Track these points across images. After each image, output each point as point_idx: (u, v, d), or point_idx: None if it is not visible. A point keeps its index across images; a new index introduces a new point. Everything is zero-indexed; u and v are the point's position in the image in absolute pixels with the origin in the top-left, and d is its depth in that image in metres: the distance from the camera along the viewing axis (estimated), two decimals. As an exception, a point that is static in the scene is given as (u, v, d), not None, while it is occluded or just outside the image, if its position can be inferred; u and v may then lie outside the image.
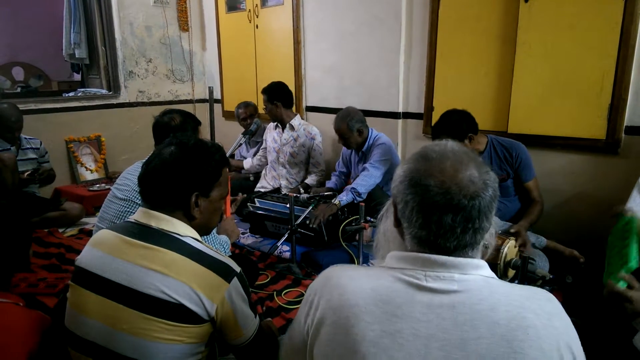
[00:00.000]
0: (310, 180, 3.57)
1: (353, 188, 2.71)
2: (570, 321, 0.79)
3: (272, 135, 3.72)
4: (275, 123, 3.62)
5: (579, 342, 0.78)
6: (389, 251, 0.90)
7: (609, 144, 2.49)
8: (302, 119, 3.99)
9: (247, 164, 3.91)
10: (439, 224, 0.79)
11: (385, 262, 0.89)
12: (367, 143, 3.02)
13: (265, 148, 3.81)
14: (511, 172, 2.47)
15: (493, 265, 1.95)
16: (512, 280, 2.03)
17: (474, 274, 0.80)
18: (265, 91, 3.50)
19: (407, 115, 3.35)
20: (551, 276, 1.93)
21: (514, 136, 2.69)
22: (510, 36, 2.71)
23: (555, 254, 2.36)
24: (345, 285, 0.83)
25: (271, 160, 3.73)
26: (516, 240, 2.14)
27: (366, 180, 2.78)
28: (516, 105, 2.75)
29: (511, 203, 2.54)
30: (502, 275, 1.98)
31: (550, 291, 2.03)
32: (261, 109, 3.73)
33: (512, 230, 2.21)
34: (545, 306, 0.78)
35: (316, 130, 3.59)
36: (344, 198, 2.71)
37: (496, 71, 2.83)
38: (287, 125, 3.56)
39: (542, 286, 1.96)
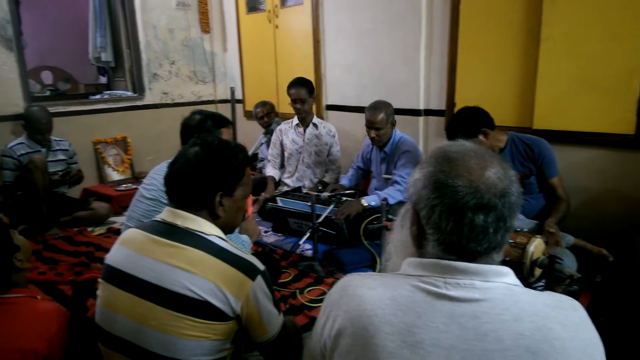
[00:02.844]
0: (328, 178, 3.57)
1: (385, 198, 2.66)
2: (596, 331, 0.77)
3: (289, 136, 3.61)
4: (296, 122, 3.56)
5: (604, 352, 0.76)
6: (403, 259, 0.86)
7: (638, 139, 2.42)
8: (322, 117, 4.00)
9: (275, 174, 3.73)
10: (471, 226, 0.76)
11: (401, 269, 0.86)
12: (390, 142, 2.96)
13: (280, 153, 3.71)
14: (534, 169, 2.43)
15: (519, 264, 1.93)
16: (539, 280, 2.00)
17: (496, 282, 0.77)
18: (303, 83, 3.41)
19: (428, 112, 3.33)
20: (579, 275, 1.89)
21: (539, 132, 2.64)
22: (533, 31, 2.66)
23: (583, 252, 2.31)
24: (363, 295, 0.81)
25: (292, 163, 3.65)
26: (549, 238, 2.10)
27: (397, 194, 2.75)
28: (541, 101, 2.70)
29: (535, 200, 2.50)
30: (528, 274, 1.95)
31: (579, 291, 2.00)
32: (285, 108, 3.64)
33: (547, 229, 2.17)
34: (572, 316, 0.76)
35: (334, 127, 3.60)
36: (372, 203, 2.69)
37: (520, 66, 2.78)
38: (310, 123, 3.55)
39: (570, 285, 1.93)
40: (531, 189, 2.48)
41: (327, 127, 3.58)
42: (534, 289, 1.87)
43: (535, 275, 1.96)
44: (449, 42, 3.06)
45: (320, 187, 3.21)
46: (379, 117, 2.83)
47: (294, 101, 3.44)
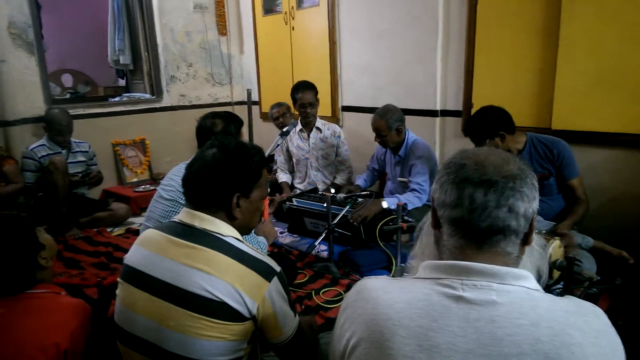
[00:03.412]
0: (340, 179, 3.56)
1: (405, 204, 2.65)
2: (619, 339, 0.75)
3: (294, 142, 3.63)
4: (300, 128, 3.53)
5: None
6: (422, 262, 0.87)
7: (659, 140, 2.37)
8: (338, 118, 4.00)
9: (287, 178, 3.77)
10: (471, 198, 0.78)
11: (418, 272, 0.86)
12: (404, 145, 2.94)
13: (288, 159, 3.73)
14: (553, 170, 2.40)
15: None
16: (557, 282, 1.97)
17: (514, 285, 0.76)
18: (311, 86, 3.43)
19: (445, 113, 3.31)
20: (598, 278, 1.86)
21: (557, 133, 2.60)
22: (551, 30, 2.63)
23: (602, 254, 2.27)
24: (378, 298, 0.81)
25: (301, 168, 3.65)
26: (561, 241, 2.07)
27: (416, 201, 2.75)
28: (560, 101, 2.66)
29: (554, 202, 2.46)
30: (546, 276, 1.92)
31: (598, 293, 1.97)
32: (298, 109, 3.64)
33: (559, 231, 2.14)
34: (593, 323, 0.74)
35: (339, 128, 3.59)
36: (392, 207, 2.69)
37: (537, 66, 2.75)
38: (314, 127, 3.54)
39: (588, 288, 1.90)
40: (550, 190, 2.44)
41: (332, 128, 3.57)
42: (552, 291, 1.85)
43: (554, 277, 1.93)
44: (466, 42, 3.04)
45: (332, 190, 3.21)
46: (379, 124, 2.85)
47: (302, 106, 3.42)
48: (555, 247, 1.94)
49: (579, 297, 0.80)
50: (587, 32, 2.49)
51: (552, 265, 1.90)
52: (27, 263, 1.37)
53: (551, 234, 2.11)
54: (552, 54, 2.65)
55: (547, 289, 1.84)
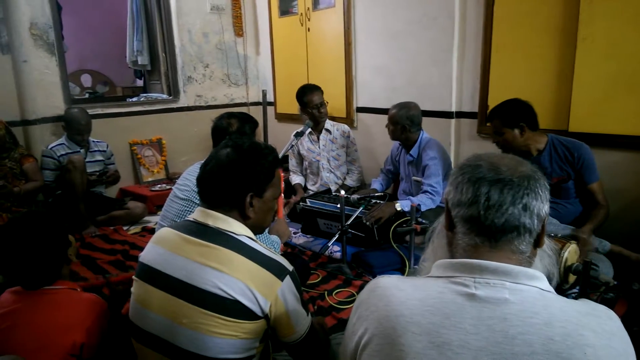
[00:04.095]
0: (350, 181, 3.56)
1: (418, 205, 2.65)
2: (630, 343, 0.75)
3: (304, 145, 3.64)
4: (309, 130, 3.52)
5: None
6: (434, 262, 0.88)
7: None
8: (352, 119, 4.00)
9: (301, 180, 3.77)
10: (487, 196, 0.80)
11: (431, 271, 0.87)
12: (417, 145, 2.95)
13: (299, 162, 3.75)
14: (572, 173, 2.36)
15: (552, 270, 1.88)
16: (573, 286, 1.94)
17: (527, 285, 0.77)
18: (317, 87, 3.47)
19: (460, 114, 3.28)
20: (615, 282, 1.83)
21: (575, 135, 2.56)
22: (570, 30, 2.59)
23: (620, 259, 2.23)
24: (391, 295, 0.82)
25: (314, 170, 3.66)
26: (580, 244, 2.04)
27: (429, 202, 2.75)
28: (578, 103, 2.62)
29: (572, 205, 2.43)
30: (562, 280, 1.90)
31: (614, 298, 1.94)
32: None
33: (580, 235, 2.11)
34: (606, 324, 0.74)
35: (347, 127, 3.60)
36: (406, 209, 2.68)
37: (555, 67, 2.71)
38: (323, 129, 3.55)
39: (605, 293, 1.87)
40: (568, 193, 2.41)
41: (341, 128, 3.58)
42: (567, 296, 1.82)
43: (570, 282, 1.90)
44: (483, 42, 3.01)
45: (342, 192, 3.21)
46: (391, 113, 2.94)
47: (315, 107, 3.44)
48: (571, 251, 1.91)
49: (595, 302, 0.79)
50: (606, 32, 2.45)
51: (568, 270, 1.88)
52: (58, 258, 1.41)
53: (568, 237, 2.08)
54: (570, 54, 2.61)
55: (563, 293, 1.81)
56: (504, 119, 2.34)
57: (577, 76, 2.59)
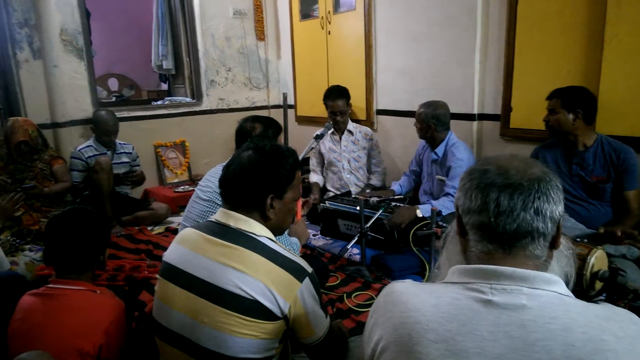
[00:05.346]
0: (375, 180, 3.55)
1: (440, 211, 2.63)
2: None
3: (326, 145, 3.65)
4: (331, 130, 3.53)
5: None
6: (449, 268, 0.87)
7: None
8: (372, 121, 3.99)
9: (319, 179, 3.78)
10: (497, 202, 0.78)
11: (447, 277, 0.86)
12: (443, 144, 2.92)
13: (320, 161, 3.76)
14: (613, 175, 2.32)
15: (579, 276, 1.83)
16: (599, 293, 1.89)
17: (545, 290, 0.75)
18: (342, 94, 3.47)
19: (482, 116, 3.24)
20: (644, 290, 1.78)
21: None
22: (596, 30, 2.53)
23: (649, 266, 2.17)
24: (407, 302, 0.81)
25: (334, 170, 3.66)
26: (619, 236, 1.98)
27: (451, 205, 2.71)
28: (604, 105, 2.56)
29: (603, 208, 2.37)
30: (588, 287, 1.85)
31: (641, 306, 1.88)
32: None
33: (617, 232, 2.04)
34: (628, 329, 0.72)
35: (370, 130, 3.60)
36: (427, 214, 2.66)
37: (581, 68, 2.65)
38: (345, 130, 3.55)
39: (633, 301, 1.81)
40: (603, 195, 2.36)
41: (363, 130, 3.58)
42: (594, 302, 1.77)
43: (596, 288, 1.86)
44: (506, 43, 2.97)
45: (368, 191, 3.21)
46: (418, 111, 2.91)
47: (333, 113, 3.46)
48: (598, 257, 1.87)
49: (623, 309, 0.77)
50: (634, 32, 2.39)
51: (595, 276, 1.83)
52: (98, 252, 1.50)
53: (593, 243, 2.03)
54: (597, 55, 2.55)
55: (589, 300, 1.77)
56: (564, 100, 2.34)
57: (604, 77, 2.53)
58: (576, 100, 2.33)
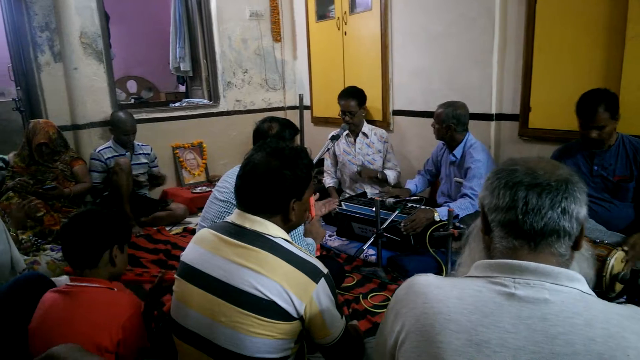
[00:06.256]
0: (390, 174, 3.48)
1: (457, 214, 2.59)
2: None
3: (340, 147, 3.65)
4: (346, 132, 3.52)
5: None
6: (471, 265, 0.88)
7: None
8: (388, 122, 3.98)
9: (334, 183, 3.79)
10: (525, 200, 0.80)
11: (469, 272, 0.87)
12: (461, 146, 2.89)
13: (334, 163, 3.76)
14: (636, 172, 2.28)
15: (598, 277, 1.81)
16: (619, 295, 1.86)
17: (568, 286, 0.76)
18: (354, 94, 3.46)
19: (500, 116, 3.20)
20: (666, 293, 1.74)
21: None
22: (618, 29, 2.49)
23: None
24: (429, 293, 0.82)
25: (347, 172, 3.65)
26: (627, 253, 1.95)
27: (469, 207, 2.69)
28: (625, 105, 2.50)
29: (625, 208, 2.33)
30: (607, 288, 1.83)
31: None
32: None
33: (628, 246, 2.01)
34: None
35: (385, 133, 3.59)
36: (444, 218, 2.64)
37: (601, 68, 2.60)
38: (360, 133, 3.54)
39: (655, 303, 1.78)
40: (625, 195, 2.32)
41: (379, 132, 3.56)
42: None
43: (616, 290, 1.83)
44: (524, 42, 2.93)
45: (382, 177, 3.13)
46: (437, 112, 2.89)
47: (342, 112, 3.46)
48: (617, 259, 1.84)
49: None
50: (657, 30, 2.34)
51: (615, 278, 1.80)
52: (101, 246, 1.51)
53: (615, 245, 2.00)
54: (618, 54, 2.50)
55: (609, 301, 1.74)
56: (612, 111, 2.21)
57: (625, 77, 2.49)
58: (617, 106, 2.24)
